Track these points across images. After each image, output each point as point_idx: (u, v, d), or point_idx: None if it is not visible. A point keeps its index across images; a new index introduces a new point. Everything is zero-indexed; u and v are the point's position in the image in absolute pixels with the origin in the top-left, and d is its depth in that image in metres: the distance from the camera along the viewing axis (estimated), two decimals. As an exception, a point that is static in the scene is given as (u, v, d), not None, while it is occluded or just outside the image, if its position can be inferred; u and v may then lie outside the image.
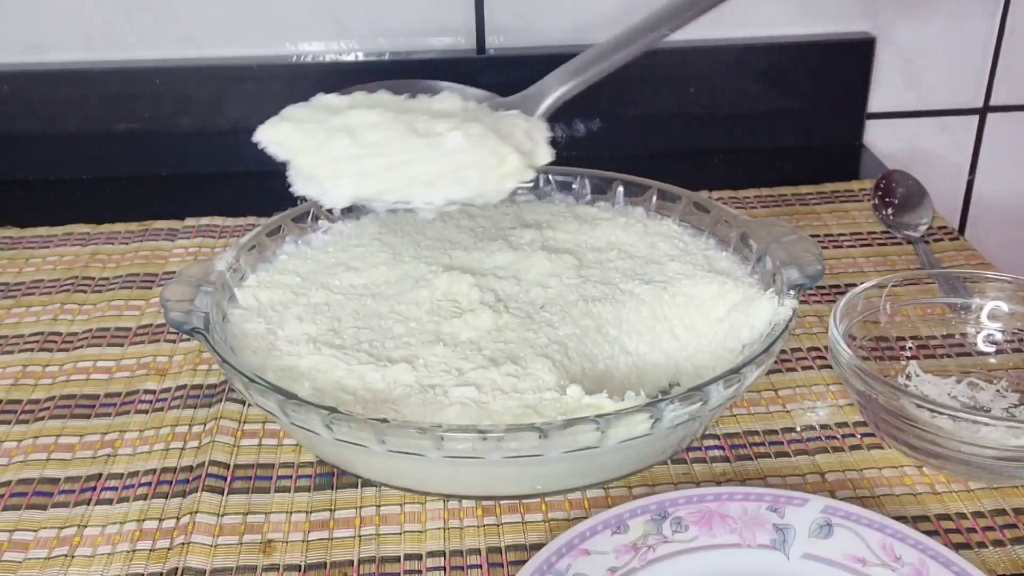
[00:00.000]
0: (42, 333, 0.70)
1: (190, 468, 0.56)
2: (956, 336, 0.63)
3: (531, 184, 0.75)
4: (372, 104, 0.59)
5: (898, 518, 0.50)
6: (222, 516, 0.53)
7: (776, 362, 0.64)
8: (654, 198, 0.72)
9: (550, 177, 0.75)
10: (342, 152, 0.55)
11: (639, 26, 0.62)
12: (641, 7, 0.94)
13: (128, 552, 0.51)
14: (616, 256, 0.66)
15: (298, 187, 0.57)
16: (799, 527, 0.48)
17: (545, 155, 0.59)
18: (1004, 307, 0.63)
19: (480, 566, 0.50)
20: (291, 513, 0.53)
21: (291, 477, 0.56)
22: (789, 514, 0.49)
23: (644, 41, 0.62)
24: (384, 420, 0.48)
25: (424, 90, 0.63)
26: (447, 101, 0.62)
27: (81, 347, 0.68)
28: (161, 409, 0.62)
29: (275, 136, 0.57)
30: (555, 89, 0.63)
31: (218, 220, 0.85)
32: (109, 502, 0.54)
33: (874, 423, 0.57)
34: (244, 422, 0.60)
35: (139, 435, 0.59)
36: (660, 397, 0.50)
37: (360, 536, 0.52)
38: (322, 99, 0.60)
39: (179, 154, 0.95)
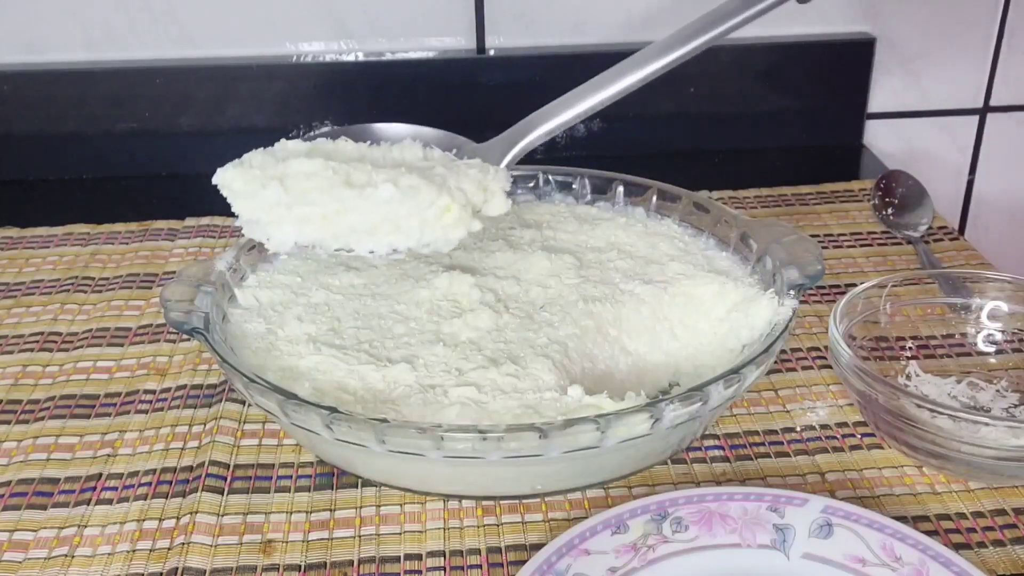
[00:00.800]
0: (42, 333, 0.70)
1: (190, 468, 0.56)
2: (956, 336, 0.63)
3: (531, 184, 0.75)
4: (326, 155, 0.60)
5: (898, 518, 0.50)
6: (222, 516, 0.53)
7: (776, 362, 0.64)
8: (654, 198, 0.72)
9: (550, 177, 0.75)
10: (275, 200, 0.56)
11: (620, 68, 0.62)
12: (641, 6, 0.95)
13: (128, 552, 0.51)
14: (616, 256, 0.66)
15: (244, 230, 0.58)
16: (799, 527, 0.48)
17: (499, 206, 0.59)
18: (1004, 307, 0.63)
19: (480, 566, 0.50)
20: (291, 513, 0.53)
21: (291, 477, 0.56)
22: (789, 514, 0.49)
23: (626, 82, 0.61)
24: (384, 420, 0.48)
25: (390, 137, 0.65)
26: (406, 150, 0.63)
27: (81, 347, 0.68)
28: (161, 409, 0.62)
29: (223, 180, 0.58)
30: (523, 137, 0.63)
31: (218, 220, 0.85)
32: (109, 502, 0.54)
33: (874, 423, 0.57)
34: (244, 422, 0.60)
35: (139, 435, 0.59)
36: (660, 397, 0.50)
37: (360, 536, 0.52)
38: (283, 144, 0.62)
39: (179, 154, 0.95)
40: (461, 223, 0.57)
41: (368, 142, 0.64)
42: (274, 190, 0.56)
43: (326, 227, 0.56)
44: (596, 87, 0.62)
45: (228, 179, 0.58)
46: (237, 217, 0.58)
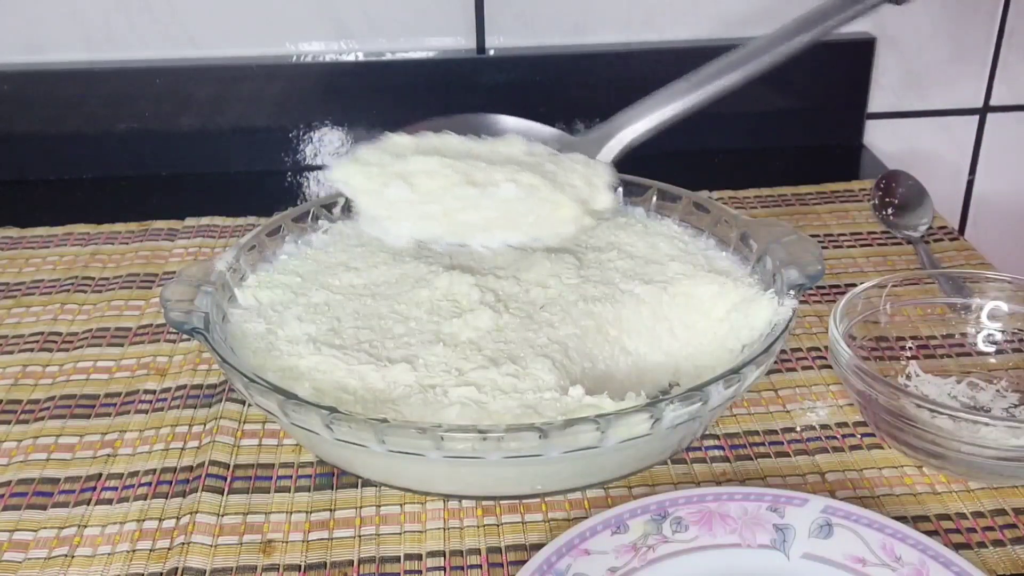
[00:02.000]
0: (42, 333, 0.70)
1: (190, 468, 0.56)
2: (956, 336, 0.63)
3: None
4: (434, 149, 0.62)
5: (898, 518, 0.50)
6: (222, 516, 0.53)
7: (776, 362, 0.64)
8: (654, 198, 0.72)
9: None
10: (400, 197, 0.57)
11: (715, 68, 0.62)
12: (641, 6, 0.95)
13: (128, 552, 0.51)
14: (616, 256, 0.66)
15: (362, 225, 0.60)
16: (799, 527, 0.48)
17: (606, 200, 0.60)
18: (1004, 307, 0.63)
19: (480, 566, 0.50)
20: (291, 513, 0.53)
21: (291, 477, 0.56)
22: (789, 514, 0.49)
23: (720, 83, 0.62)
24: (384, 420, 0.48)
25: (490, 127, 0.65)
26: (511, 144, 0.63)
27: (81, 347, 0.68)
28: (161, 409, 0.62)
29: (341, 176, 0.60)
30: (625, 131, 0.63)
31: (218, 220, 0.85)
32: (109, 502, 0.54)
33: (874, 423, 0.57)
34: (244, 422, 0.60)
35: (139, 435, 0.59)
36: (660, 397, 0.50)
37: (360, 536, 0.52)
38: (390, 139, 0.63)
39: (179, 154, 0.95)
40: (573, 220, 0.58)
41: (469, 135, 0.64)
42: (400, 188, 0.57)
43: (445, 224, 0.58)
44: (696, 84, 0.62)
45: (348, 175, 0.59)
46: (354, 212, 0.60)
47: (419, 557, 0.50)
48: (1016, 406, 0.59)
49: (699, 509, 0.49)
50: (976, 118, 1.02)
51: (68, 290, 0.75)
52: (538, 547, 0.48)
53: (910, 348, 0.63)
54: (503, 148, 0.63)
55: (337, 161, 0.61)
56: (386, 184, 0.58)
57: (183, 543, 0.51)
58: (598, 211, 0.60)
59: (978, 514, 0.52)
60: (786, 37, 0.62)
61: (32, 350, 0.68)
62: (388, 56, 0.94)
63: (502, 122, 0.66)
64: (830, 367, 0.63)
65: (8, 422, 0.61)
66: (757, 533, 0.48)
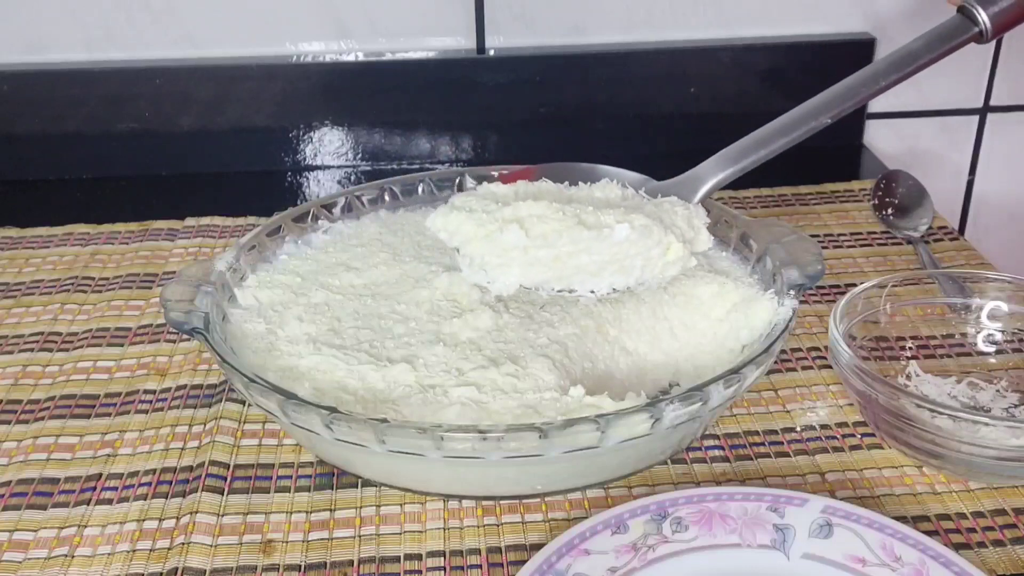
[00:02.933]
0: (42, 333, 0.70)
1: (190, 468, 0.56)
2: (956, 336, 0.63)
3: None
4: (537, 195, 0.62)
5: (898, 518, 0.50)
6: (222, 516, 0.53)
7: (776, 362, 0.64)
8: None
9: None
10: (513, 243, 0.57)
11: (799, 115, 0.63)
12: (641, 7, 0.95)
13: (128, 552, 0.51)
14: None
15: (466, 273, 0.59)
16: (799, 527, 0.48)
17: (705, 241, 0.61)
18: (1004, 307, 0.63)
19: (480, 566, 0.50)
20: (291, 513, 0.53)
21: (291, 477, 0.56)
22: (789, 514, 0.49)
23: (805, 129, 0.62)
24: (384, 420, 0.48)
25: (581, 174, 0.66)
26: (607, 189, 0.64)
27: (81, 347, 0.68)
28: (161, 409, 0.62)
29: (447, 224, 0.60)
30: (713, 176, 0.63)
31: (218, 220, 0.85)
32: (109, 502, 0.54)
33: (874, 423, 0.57)
34: (244, 422, 0.60)
35: (139, 435, 0.59)
36: (660, 397, 0.50)
37: (360, 536, 0.52)
38: (487, 188, 0.64)
39: (179, 154, 0.95)
40: (680, 261, 0.58)
41: (566, 183, 0.65)
42: (514, 233, 0.57)
43: (554, 268, 0.57)
44: (783, 129, 0.63)
45: (454, 223, 0.59)
46: (459, 259, 0.59)
47: (419, 557, 0.50)
48: (1016, 406, 0.59)
49: (699, 509, 0.49)
50: (976, 118, 1.02)
51: (68, 290, 0.75)
52: (538, 547, 0.48)
53: (910, 348, 0.63)
54: (599, 193, 0.63)
55: (438, 211, 0.61)
56: (500, 229, 0.57)
57: (183, 543, 0.51)
58: (699, 252, 0.61)
59: (978, 514, 0.52)
60: (874, 79, 0.63)
61: (32, 350, 0.68)
62: (388, 56, 0.94)
63: (591, 169, 0.66)
64: (830, 367, 0.63)
65: (8, 422, 0.61)
66: (757, 533, 0.48)
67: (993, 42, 0.98)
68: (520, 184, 0.64)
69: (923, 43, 0.62)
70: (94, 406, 0.62)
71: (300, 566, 0.50)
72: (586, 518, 0.48)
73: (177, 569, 0.50)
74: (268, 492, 0.55)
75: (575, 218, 0.57)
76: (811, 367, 0.65)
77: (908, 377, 0.61)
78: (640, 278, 0.57)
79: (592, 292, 0.57)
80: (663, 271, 0.58)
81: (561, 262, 0.57)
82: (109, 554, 0.51)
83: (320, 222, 0.70)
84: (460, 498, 0.54)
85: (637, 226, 0.56)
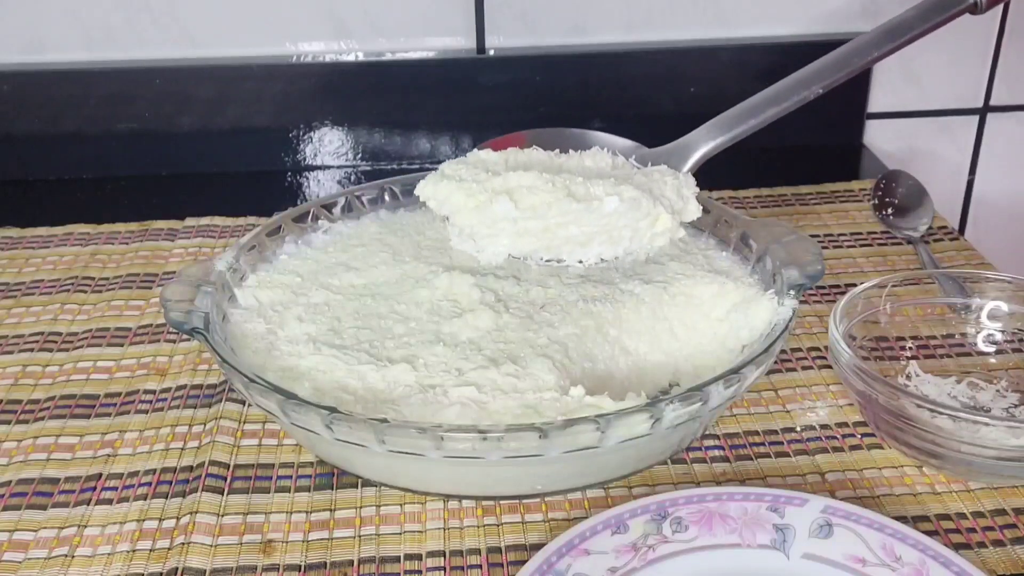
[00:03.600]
0: (42, 333, 0.70)
1: (190, 468, 0.56)
2: (956, 336, 0.63)
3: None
4: (523, 165, 0.62)
5: (898, 518, 0.50)
6: (222, 516, 0.53)
7: (776, 362, 0.64)
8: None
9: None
10: (503, 214, 0.57)
11: (790, 84, 0.62)
12: (641, 6, 0.95)
13: (128, 552, 0.51)
14: (616, 256, 0.66)
15: (454, 242, 0.60)
16: (799, 527, 0.48)
17: (694, 211, 0.61)
18: (1004, 307, 0.63)
19: (480, 566, 0.50)
20: (291, 513, 0.53)
21: (291, 477, 0.56)
22: (789, 514, 0.49)
23: (796, 98, 0.62)
24: (384, 420, 0.48)
25: (572, 141, 0.66)
26: (597, 158, 0.64)
27: (81, 347, 0.68)
28: (161, 409, 0.62)
29: (437, 193, 0.60)
30: (703, 144, 0.64)
31: (218, 220, 0.85)
32: (109, 502, 0.54)
33: (874, 423, 0.57)
34: (244, 422, 0.60)
35: (139, 435, 0.59)
36: (660, 397, 0.50)
37: (360, 536, 0.52)
38: (476, 155, 0.63)
39: (179, 154, 0.95)
40: (668, 232, 0.58)
41: (556, 150, 0.65)
42: (504, 204, 0.57)
43: (543, 239, 0.58)
44: (774, 97, 0.62)
45: (444, 192, 0.59)
46: (448, 228, 0.60)
47: (419, 557, 0.50)
48: (1016, 406, 0.59)
49: (699, 509, 0.49)
50: (976, 118, 1.02)
51: (68, 290, 0.75)
52: (538, 547, 0.48)
53: (910, 348, 0.63)
54: (589, 162, 0.64)
55: (427, 178, 0.61)
56: (490, 200, 0.58)
57: (183, 543, 0.51)
58: (687, 222, 0.61)
59: (978, 514, 0.52)
60: (867, 49, 0.62)
61: (32, 350, 0.68)
62: (388, 56, 0.94)
63: (582, 135, 0.66)
64: (830, 367, 0.63)
65: (8, 422, 0.61)
66: (757, 533, 0.48)
67: (993, 42, 0.99)
68: (510, 152, 0.64)
69: (917, 13, 0.62)
70: (94, 406, 0.62)
71: (300, 566, 0.50)
72: (586, 518, 0.48)
73: (177, 569, 0.50)
74: (268, 492, 0.55)
75: (565, 190, 0.58)
76: (811, 367, 0.65)
77: (908, 377, 0.61)
78: (628, 248, 0.58)
79: (580, 262, 0.58)
80: (651, 241, 0.58)
81: (550, 233, 0.57)
82: (109, 554, 0.51)
83: (320, 222, 0.70)
84: (460, 498, 0.54)
85: (626, 198, 0.57)
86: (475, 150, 0.64)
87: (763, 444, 0.58)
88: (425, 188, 0.61)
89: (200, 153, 0.95)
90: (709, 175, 0.93)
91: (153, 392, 0.63)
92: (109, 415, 0.61)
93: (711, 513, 0.49)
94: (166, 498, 0.54)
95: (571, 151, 0.65)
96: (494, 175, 0.60)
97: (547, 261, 0.58)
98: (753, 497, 0.49)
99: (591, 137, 0.66)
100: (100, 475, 0.56)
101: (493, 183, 0.59)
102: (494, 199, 0.58)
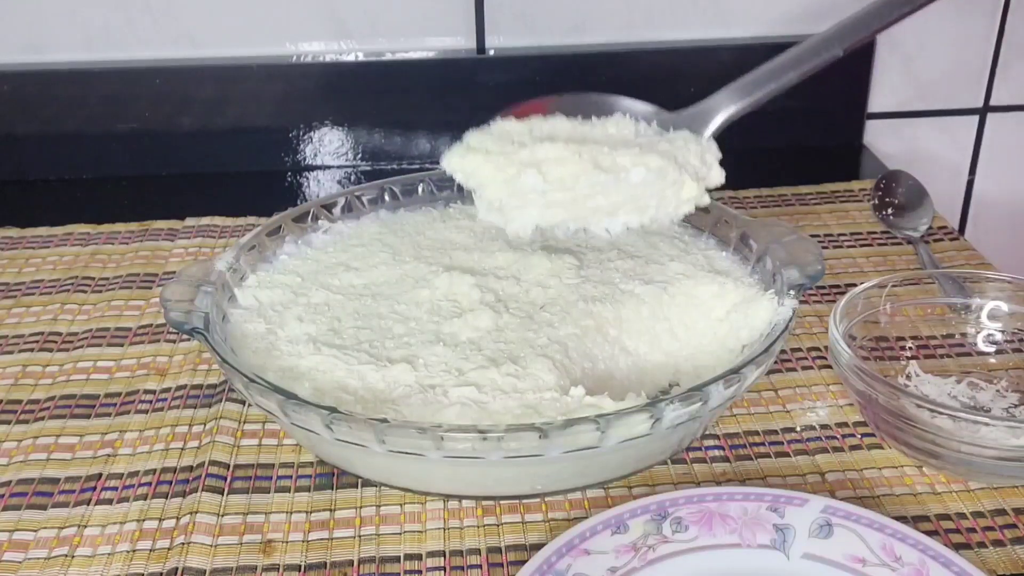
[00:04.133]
0: (42, 333, 0.70)
1: (190, 468, 0.56)
2: (956, 336, 0.63)
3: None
4: (547, 134, 0.61)
5: (898, 518, 0.50)
6: (222, 516, 0.53)
7: (776, 362, 0.64)
8: (654, 198, 0.72)
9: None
10: (532, 186, 0.58)
11: (810, 46, 0.62)
12: (641, 7, 0.95)
13: (128, 552, 0.51)
14: (616, 256, 0.66)
15: (481, 214, 0.60)
16: (799, 527, 0.48)
17: (718, 177, 0.61)
18: (1004, 307, 0.63)
19: (480, 566, 0.50)
20: (291, 513, 0.53)
21: (291, 477, 0.56)
22: (789, 514, 0.49)
23: (816, 61, 0.61)
24: (384, 420, 0.48)
25: (594, 107, 0.65)
26: (621, 125, 0.63)
27: (81, 347, 0.68)
28: (161, 409, 0.62)
29: (464, 166, 0.60)
30: (724, 108, 0.63)
31: (218, 220, 0.85)
32: (109, 502, 0.54)
33: (874, 423, 0.57)
34: (244, 422, 0.60)
35: (139, 435, 0.59)
36: (660, 397, 0.50)
37: (360, 536, 0.52)
38: (500, 125, 0.63)
39: (179, 154, 0.95)
40: (693, 199, 0.59)
41: (579, 117, 0.64)
42: (532, 177, 0.57)
43: (571, 210, 0.58)
44: (795, 61, 0.61)
45: (472, 165, 0.59)
46: (475, 199, 0.60)
47: (419, 557, 0.50)
48: (1016, 406, 0.59)
49: (699, 509, 0.49)
50: (976, 118, 1.02)
51: (68, 290, 0.75)
52: (538, 547, 0.48)
53: (910, 348, 0.63)
54: (613, 129, 0.63)
55: (452, 150, 0.60)
56: (519, 173, 0.58)
57: (183, 543, 0.51)
58: (712, 188, 0.61)
59: (978, 514, 0.52)
60: (890, 9, 0.62)
61: (32, 350, 0.68)
62: (388, 56, 0.94)
63: (603, 100, 0.65)
64: (830, 367, 0.63)
65: (8, 422, 0.61)
66: (757, 533, 0.48)
67: (993, 42, 0.99)
68: (534, 121, 0.64)
69: None
70: (94, 406, 0.62)
71: (300, 566, 0.50)
72: (586, 518, 0.48)
73: (177, 569, 0.50)
74: (268, 492, 0.55)
75: (592, 161, 0.58)
76: (811, 367, 0.65)
77: (908, 377, 0.61)
78: (654, 216, 0.59)
79: (607, 232, 0.59)
80: (676, 209, 0.59)
81: (578, 204, 0.58)
82: (109, 554, 0.51)
83: (320, 222, 0.70)
84: (460, 498, 0.54)
85: (652, 168, 0.57)
86: (497, 119, 0.64)
87: (763, 444, 0.58)
88: (451, 161, 0.60)
89: (200, 153, 0.95)
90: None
91: (153, 392, 0.63)
92: (109, 415, 0.61)
93: (711, 513, 0.49)
94: (166, 498, 0.54)
95: (594, 118, 0.64)
96: (520, 146, 0.60)
97: (575, 231, 0.59)
98: (753, 497, 0.49)
99: (612, 102, 0.65)
100: (100, 475, 0.56)
101: (521, 155, 0.59)
102: (522, 172, 0.58)
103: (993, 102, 1.01)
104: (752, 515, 0.49)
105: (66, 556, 0.51)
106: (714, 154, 0.62)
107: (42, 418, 0.61)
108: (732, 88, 0.63)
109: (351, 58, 0.94)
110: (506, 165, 0.58)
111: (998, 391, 0.60)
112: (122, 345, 0.68)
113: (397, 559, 0.50)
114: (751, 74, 0.63)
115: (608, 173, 0.57)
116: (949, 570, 0.45)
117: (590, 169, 0.57)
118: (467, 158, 0.60)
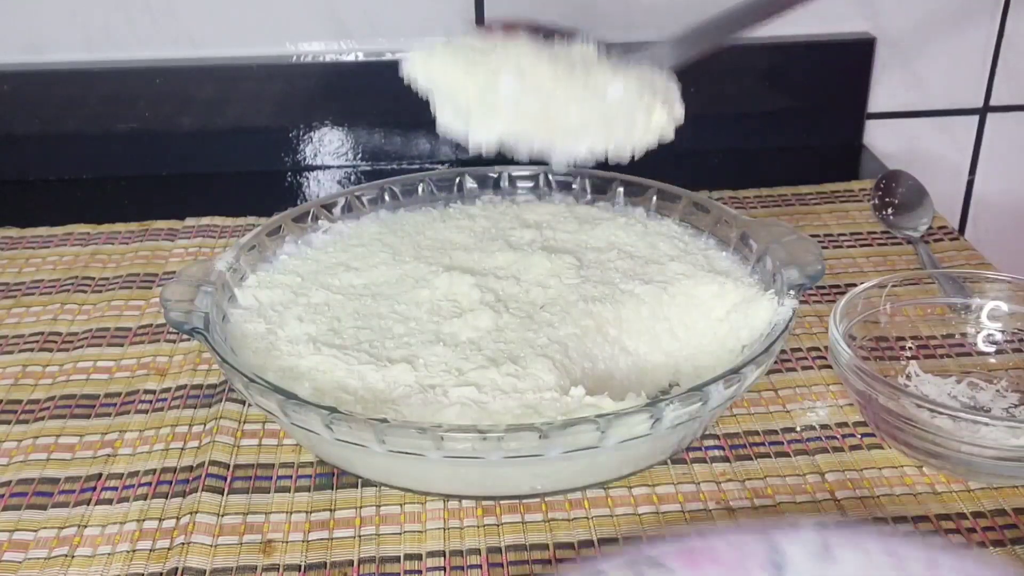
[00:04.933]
0: (42, 333, 0.70)
1: (190, 468, 0.56)
2: (956, 336, 0.63)
3: (531, 184, 0.75)
4: (518, 47, 0.57)
5: (898, 518, 0.49)
6: (222, 516, 0.53)
7: (776, 362, 0.64)
8: (654, 198, 0.72)
9: (550, 177, 0.75)
10: (507, 91, 0.53)
11: None
12: (641, 7, 0.95)
13: (128, 552, 0.51)
14: (616, 256, 0.66)
15: (442, 123, 0.55)
16: (795, 555, 0.46)
17: (680, 110, 0.58)
18: (1004, 307, 0.63)
19: (480, 566, 0.50)
20: (291, 513, 0.53)
21: (291, 477, 0.56)
22: (781, 540, 0.46)
23: (775, 7, 0.58)
24: (384, 420, 0.48)
25: (556, 32, 0.61)
26: (585, 50, 0.60)
27: (81, 347, 0.68)
28: (161, 409, 0.62)
29: (429, 69, 0.55)
30: (698, 40, 0.60)
31: (218, 220, 0.85)
32: (109, 502, 0.54)
33: (874, 423, 0.57)
34: (244, 422, 0.60)
35: (139, 435, 0.59)
36: (660, 397, 0.50)
37: (360, 536, 0.52)
38: (465, 40, 0.58)
39: (179, 154, 0.95)
40: (661, 128, 0.56)
41: (541, 35, 0.60)
42: (509, 79, 0.53)
43: (539, 124, 0.54)
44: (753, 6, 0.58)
45: (439, 68, 0.55)
46: (436, 107, 0.55)
47: (419, 557, 0.50)
48: (1016, 406, 0.59)
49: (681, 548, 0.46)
50: (976, 118, 1.02)
51: (68, 290, 0.75)
52: (538, 547, 0.48)
53: (910, 348, 0.63)
54: (577, 52, 0.60)
55: (416, 53, 0.55)
56: (493, 76, 0.54)
57: (183, 543, 0.51)
58: (678, 120, 0.58)
59: (978, 514, 0.52)
60: None
61: (32, 350, 0.68)
62: (388, 56, 0.94)
63: (567, 28, 0.61)
64: (830, 367, 0.63)
65: (8, 422, 0.61)
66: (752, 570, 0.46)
67: (994, 42, 0.99)
68: (497, 36, 0.59)
69: None
70: (94, 406, 0.62)
71: (300, 566, 0.50)
72: (586, 518, 0.48)
73: (177, 569, 0.50)
74: (268, 492, 0.55)
75: (568, 70, 0.55)
76: (811, 367, 0.65)
77: (908, 377, 0.61)
78: (619, 143, 0.56)
79: (568, 155, 0.55)
80: (643, 136, 0.56)
81: (548, 117, 0.54)
82: (109, 554, 0.51)
83: (320, 222, 0.70)
84: (460, 498, 0.54)
85: (630, 87, 0.55)
86: (462, 35, 0.59)
87: (763, 444, 0.58)
88: (415, 64, 0.55)
89: (200, 153, 0.95)
90: (709, 175, 0.94)
91: (153, 392, 0.63)
92: (109, 415, 0.61)
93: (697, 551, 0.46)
94: (166, 498, 0.54)
95: (556, 38, 0.59)
96: (491, 52, 0.56)
97: (537, 152, 0.55)
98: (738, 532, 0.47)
99: (571, 30, 0.63)
100: (100, 475, 0.56)
101: (492, 59, 0.55)
102: (498, 75, 0.54)
103: (993, 102, 1.01)
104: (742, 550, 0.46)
105: (66, 556, 0.51)
106: (675, 87, 0.59)
107: (42, 418, 0.61)
108: (707, 20, 0.60)
109: (351, 58, 0.94)
110: (478, 68, 0.54)
111: (998, 391, 0.60)
112: (122, 345, 0.68)
113: (397, 559, 0.50)
114: (730, 7, 0.60)
115: (584, 85, 0.54)
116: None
117: (566, 76, 0.54)
118: (433, 60, 0.55)
